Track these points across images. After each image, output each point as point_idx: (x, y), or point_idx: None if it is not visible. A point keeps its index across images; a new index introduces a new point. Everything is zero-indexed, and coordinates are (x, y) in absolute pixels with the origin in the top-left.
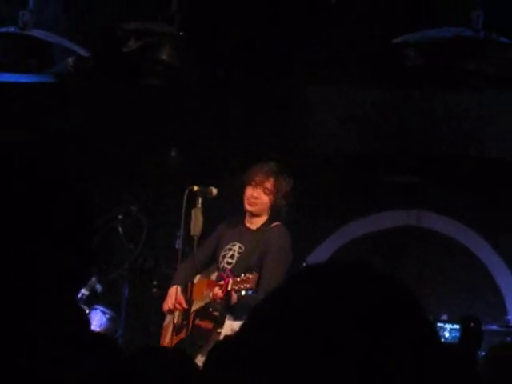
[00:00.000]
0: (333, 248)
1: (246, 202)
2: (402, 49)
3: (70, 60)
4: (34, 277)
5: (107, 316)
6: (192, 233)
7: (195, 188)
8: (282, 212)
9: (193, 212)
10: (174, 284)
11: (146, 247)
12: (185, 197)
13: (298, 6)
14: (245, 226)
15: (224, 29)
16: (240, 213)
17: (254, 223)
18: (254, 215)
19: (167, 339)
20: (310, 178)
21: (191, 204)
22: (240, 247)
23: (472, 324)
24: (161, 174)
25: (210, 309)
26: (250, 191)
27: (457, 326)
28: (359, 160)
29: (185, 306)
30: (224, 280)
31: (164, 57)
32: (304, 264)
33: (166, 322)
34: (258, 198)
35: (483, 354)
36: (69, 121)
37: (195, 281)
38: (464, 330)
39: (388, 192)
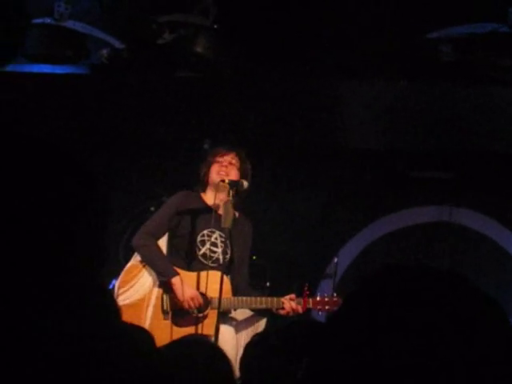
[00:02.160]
0: (364, 243)
1: (216, 174)
2: (437, 44)
3: (105, 51)
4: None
5: None
6: (223, 225)
7: (226, 181)
8: (244, 193)
9: (223, 204)
10: (175, 274)
11: None
12: (216, 187)
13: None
14: (211, 209)
15: (258, 22)
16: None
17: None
18: (220, 190)
19: (146, 325)
20: (340, 173)
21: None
22: (221, 236)
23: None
24: (194, 166)
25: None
26: (216, 164)
27: None
28: (391, 155)
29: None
30: (303, 296)
31: (198, 49)
32: (335, 259)
33: (126, 301)
34: (226, 167)
35: None
36: (104, 112)
37: (189, 271)
38: None
39: (420, 188)
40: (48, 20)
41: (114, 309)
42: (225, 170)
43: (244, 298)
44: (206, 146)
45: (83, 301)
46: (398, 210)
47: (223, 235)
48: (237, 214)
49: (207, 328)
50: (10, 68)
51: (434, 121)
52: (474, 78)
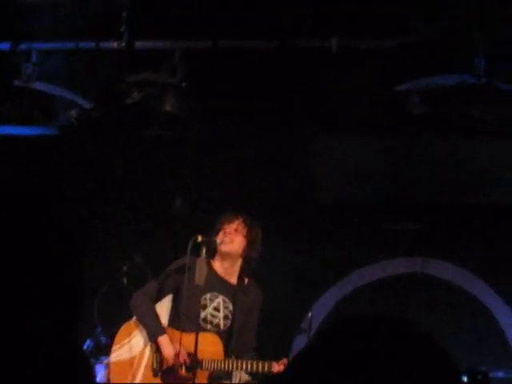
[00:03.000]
0: (337, 297)
1: (219, 243)
2: (405, 96)
3: (73, 112)
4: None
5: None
6: (196, 282)
7: (199, 238)
8: (255, 259)
9: (198, 262)
10: (163, 333)
11: None
12: (189, 247)
13: (301, 56)
14: (218, 275)
15: (227, 79)
16: None
17: (230, 274)
18: (225, 258)
19: (142, 378)
20: (313, 227)
21: (196, 254)
22: (225, 301)
23: (479, 377)
24: (166, 224)
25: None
26: (222, 232)
27: (464, 379)
28: (362, 208)
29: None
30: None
31: (167, 107)
32: (309, 314)
33: (120, 358)
34: (231, 234)
35: None
36: (73, 173)
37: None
38: (471, 383)
39: (392, 240)
40: (16, 82)
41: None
42: (229, 238)
43: (235, 361)
44: (178, 204)
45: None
46: (371, 263)
47: (227, 300)
48: (246, 281)
49: None
50: None
51: (405, 173)
52: (443, 129)
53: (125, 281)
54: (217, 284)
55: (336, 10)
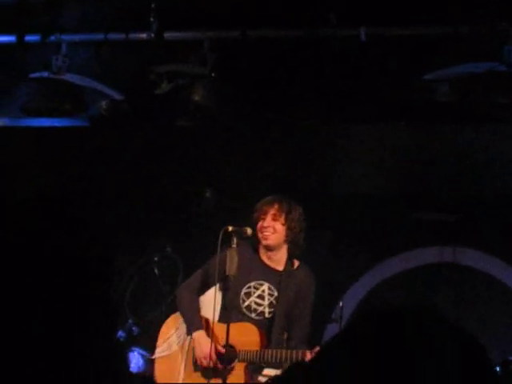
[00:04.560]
0: (368, 286)
1: (260, 236)
2: (434, 85)
3: (103, 103)
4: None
5: (145, 358)
6: (227, 273)
7: (230, 228)
8: (300, 241)
9: (228, 252)
10: (198, 328)
11: None
12: (220, 237)
13: (329, 45)
14: (264, 262)
15: (255, 68)
16: None
17: (276, 261)
18: (271, 249)
19: (180, 377)
20: (345, 217)
21: (227, 244)
22: (270, 288)
23: (511, 367)
24: (196, 214)
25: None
26: (260, 224)
27: (496, 368)
28: (393, 198)
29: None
30: None
31: (197, 98)
32: (340, 303)
33: (163, 353)
34: (268, 226)
35: None
36: (103, 164)
37: (209, 317)
38: (503, 373)
39: (423, 230)
40: (46, 74)
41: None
42: (267, 231)
43: (269, 351)
44: (207, 195)
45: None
46: (401, 252)
47: (272, 288)
48: (295, 264)
49: (235, 379)
50: (8, 123)
51: (434, 162)
52: (473, 117)
53: (156, 271)
54: (262, 272)
55: None
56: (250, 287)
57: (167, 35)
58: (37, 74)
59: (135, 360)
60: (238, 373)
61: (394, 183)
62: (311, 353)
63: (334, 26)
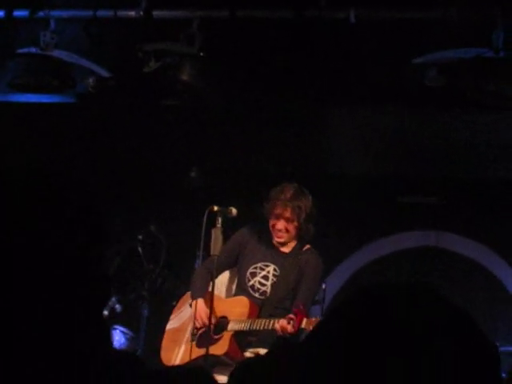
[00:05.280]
0: (352, 269)
1: (273, 234)
2: (422, 69)
3: (91, 80)
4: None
5: (127, 336)
6: (212, 252)
7: (215, 208)
8: (310, 232)
9: (213, 232)
10: (199, 297)
11: (165, 267)
12: (205, 217)
13: (318, 26)
14: (273, 245)
15: (244, 49)
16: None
17: (286, 246)
18: (283, 243)
19: (181, 347)
20: (328, 199)
21: (211, 224)
22: (275, 270)
23: None
24: (181, 193)
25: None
26: (273, 223)
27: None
28: (378, 181)
29: (209, 321)
30: (297, 316)
31: (184, 77)
32: (323, 286)
33: (173, 325)
34: (282, 229)
35: (504, 375)
36: (89, 141)
37: (218, 294)
38: None
39: (407, 213)
40: (34, 49)
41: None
42: (280, 234)
43: (252, 320)
44: (193, 174)
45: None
46: (385, 236)
47: (277, 269)
48: (305, 247)
49: (219, 348)
50: None
51: (421, 146)
52: (460, 102)
53: (140, 250)
54: (270, 253)
55: None
56: (256, 267)
57: (156, 13)
58: (25, 50)
59: (117, 338)
60: (223, 341)
61: (381, 166)
62: (283, 320)
63: (323, 8)
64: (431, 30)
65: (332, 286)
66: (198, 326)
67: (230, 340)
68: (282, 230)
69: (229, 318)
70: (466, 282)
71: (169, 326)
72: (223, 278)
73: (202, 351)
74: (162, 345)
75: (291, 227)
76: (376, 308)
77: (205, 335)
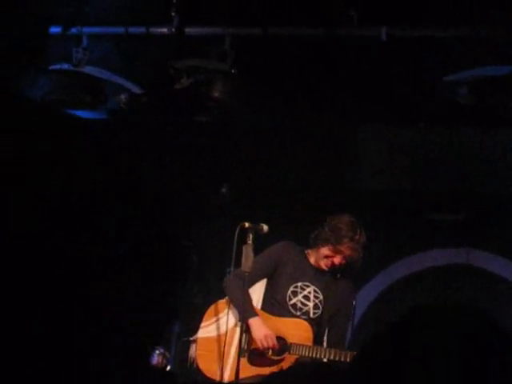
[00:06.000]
0: (382, 286)
1: (323, 263)
2: (453, 87)
3: (123, 96)
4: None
5: (157, 352)
6: (243, 269)
7: (246, 225)
8: (356, 267)
9: (244, 248)
10: (254, 315)
11: (195, 283)
12: (236, 233)
13: (350, 44)
14: (311, 265)
15: (275, 66)
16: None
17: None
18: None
19: (228, 361)
20: (355, 216)
21: (242, 240)
22: (316, 291)
23: None
24: (212, 210)
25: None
26: (328, 254)
27: None
28: (408, 197)
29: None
30: None
31: (216, 94)
32: (353, 302)
33: (209, 334)
34: (337, 264)
35: None
36: (120, 157)
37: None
38: None
39: (437, 230)
40: (66, 66)
41: None
42: (329, 265)
43: (320, 348)
44: (224, 190)
45: None
46: (415, 253)
47: (318, 291)
48: (338, 275)
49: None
50: None
51: (451, 163)
52: (491, 120)
53: None
54: (310, 274)
55: None
56: (296, 287)
57: (188, 30)
58: (57, 66)
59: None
60: (286, 364)
61: (409, 182)
62: None
63: (355, 25)
64: (462, 48)
65: (362, 302)
66: (263, 345)
67: (295, 364)
68: (334, 264)
69: (288, 340)
70: (497, 300)
71: (202, 335)
72: (254, 289)
73: (255, 370)
74: (196, 353)
75: (343, 262)
76: (430, 332)
77: (259, 354)
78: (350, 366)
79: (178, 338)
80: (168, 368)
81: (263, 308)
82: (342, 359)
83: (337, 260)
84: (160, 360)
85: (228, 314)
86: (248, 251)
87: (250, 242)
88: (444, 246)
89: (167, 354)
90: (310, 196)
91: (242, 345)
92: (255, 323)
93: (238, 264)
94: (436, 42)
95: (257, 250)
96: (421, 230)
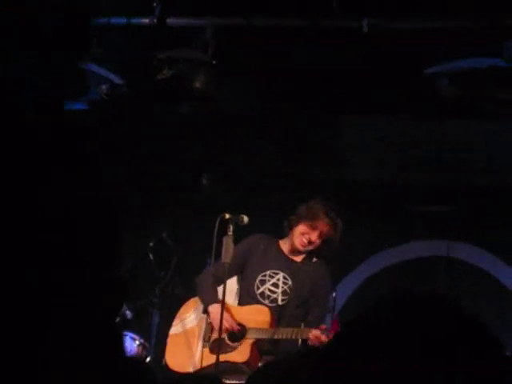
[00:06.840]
0: (362, 278)
1: (298, 241)
2: (434, 79)
3: (104, 87)
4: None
5: (137, 342)
6: (223, 260)
7: (227, 216)
8: (325, 252)
9: (224, 239)
10: (214, 303)
11: (176, 274)
12: (216, 224)
13: (331, 35)
14: (282, 252)
15: (257, 56)
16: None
17: (295, 253)
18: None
19: (195, 353)
20: (340, 207)
21: (223, 231)
22: (285, 278)
23: None
24: (192, 201)
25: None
26: (304, 231)
27: None
28: (389, 189)
29: (237, 328)
30: (333, 326)
31: (197, 84)
32: (333, 294)
33: (178, 331)
34: (314, 242)
35: None
36: (101, 148)
37: (233, 302)
38: None
39: (419, 222)
40: None
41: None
42: (306, 246)
43: (276, 329)
44: (204, 181)
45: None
46: (396, 245)
47: (287, 277)
48: (314, 259)
49: (239, 356)
50: None
51: (433, 155)
52: (472, 112)
53: (151, 256)
54: (280, 261)
55: None
56: (265, 275)
57: (170, 21)
58: None
59: (127, 344)
60: (243, 349)
61: (392, 174)
62: (315, 329)
63: (337, 17)
64: (443, 40)
65: (342, 294)
66: (224, 330)
67: (252, 348)
68: (313, 243)
69: (247, 325)
70: (476, 292)
71: (172, 332)
72: (230, 286)
73: (215, 358)
74: (166, 350)
75: (318, 242)
76: (399, 317)
77: (219, 342)
78: (325, 351)
79: (158, 328)
80: (148, 359)
81: (240, 304)
82: (299, 337)
83: (313, 237)
84: (140, 351)
85: (196, 310)
86: (228, 242)
87: (230, 233)
88: (425, 238)
89: (147, 344)
90: (292, 187)
91: (205, 334)
92: (214, 309)
93: (218, 255)
94: (418, 34)
95: (237, 242)
96: (403, 221)
